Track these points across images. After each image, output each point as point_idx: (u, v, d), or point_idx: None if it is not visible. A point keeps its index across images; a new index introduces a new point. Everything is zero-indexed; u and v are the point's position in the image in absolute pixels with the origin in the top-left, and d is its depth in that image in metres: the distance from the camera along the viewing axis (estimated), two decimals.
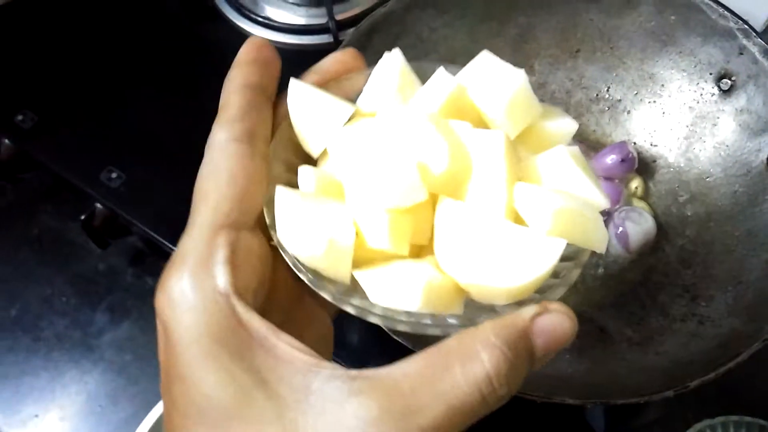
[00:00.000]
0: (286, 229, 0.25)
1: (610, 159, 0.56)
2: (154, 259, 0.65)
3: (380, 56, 0.29)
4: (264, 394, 0.21)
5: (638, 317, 0.50)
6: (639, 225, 0.53)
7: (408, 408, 0.20)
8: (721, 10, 0.52)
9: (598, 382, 0.44)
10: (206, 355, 0.21)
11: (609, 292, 0.52)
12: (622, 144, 0.56)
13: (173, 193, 0.59)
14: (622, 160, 0.55)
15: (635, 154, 0.55)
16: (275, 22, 0.72)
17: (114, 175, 0.63)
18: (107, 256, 0.66)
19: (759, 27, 0.61)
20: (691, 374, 0.42)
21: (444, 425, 0.20)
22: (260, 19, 0.72)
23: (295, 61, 0.29)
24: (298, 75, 0.29)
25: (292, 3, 0.73)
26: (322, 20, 0.70)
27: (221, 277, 0.23)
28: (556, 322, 0.22)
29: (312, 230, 0.24)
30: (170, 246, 0.59)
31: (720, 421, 0.52)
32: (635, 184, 0.56)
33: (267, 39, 0.69)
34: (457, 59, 0.56)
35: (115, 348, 0.64)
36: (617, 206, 0.54)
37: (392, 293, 0.24)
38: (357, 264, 0.25)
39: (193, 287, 0.22)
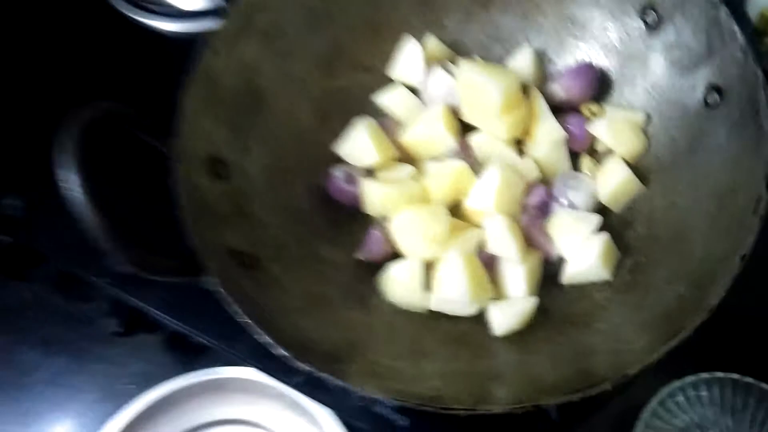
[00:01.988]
0: None
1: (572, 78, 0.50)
2: (83, 282, 0.61)
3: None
4: None
5: (579, 291, 0.46)
6: (581, 190, 0.48)
7: None
8: None
9: (536, 374, 0.40)
10: None
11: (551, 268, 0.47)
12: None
13: None
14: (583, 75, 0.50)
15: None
16: (175, 8, 0.66)
17: (13, 201, 0.57)
18: (31, 284, 0.61)
19: None
20: (632, 358, 0.38)
21: None
22: (157, 8, 0.66)
23: None
24: None
25: None
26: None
27: None
28: None
29: None
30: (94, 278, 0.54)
31: (690, 381, 0.48)
32: (594, 109, 0.51)
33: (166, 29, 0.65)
34: (360, 23, 0.52)
35: (51, 385, 0.60)
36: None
37: None
38: None
39: None
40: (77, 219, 0.36)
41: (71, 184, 0.33)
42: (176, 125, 0.42)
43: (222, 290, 0.38)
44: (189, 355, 0.59)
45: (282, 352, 0.37)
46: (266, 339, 0.37)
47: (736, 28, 0.42)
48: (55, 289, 0.62)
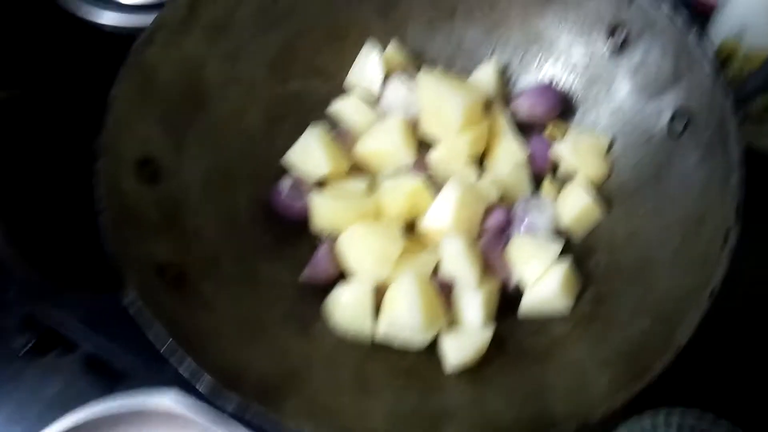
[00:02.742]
0: None
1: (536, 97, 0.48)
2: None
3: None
4: None
5: (538, 322, 0.43)
6: (543, 212, 0.45)
7: None
8: None
9: (491, 413, 0.37)
10: None
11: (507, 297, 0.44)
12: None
13: None
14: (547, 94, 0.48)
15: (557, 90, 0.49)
16: (116, 2, 0.61)
17: None
18: None
19: None
20: (594, 396, 0.35)
21: None
22: (97, 2, 0.61)
23: None
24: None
25: None
26: None
27: None
28: None
29: None
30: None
31: (649, 418, 0.46)
32: (557, 130, 0.48)
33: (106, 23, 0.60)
34: (317, 27, 0.48)
35: None
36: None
37: None
38: None
39: None
40: None
41: None
42: (104, 120, 0.38)
43: (140, 308, 0.33)
44: (109, 377, 0.53)
45: (208, 379, 0.32)
46: (189, 365, 0.33)
47: (706, 53, 0.41)
48: None
